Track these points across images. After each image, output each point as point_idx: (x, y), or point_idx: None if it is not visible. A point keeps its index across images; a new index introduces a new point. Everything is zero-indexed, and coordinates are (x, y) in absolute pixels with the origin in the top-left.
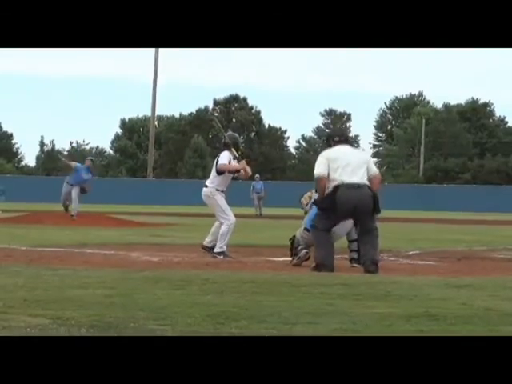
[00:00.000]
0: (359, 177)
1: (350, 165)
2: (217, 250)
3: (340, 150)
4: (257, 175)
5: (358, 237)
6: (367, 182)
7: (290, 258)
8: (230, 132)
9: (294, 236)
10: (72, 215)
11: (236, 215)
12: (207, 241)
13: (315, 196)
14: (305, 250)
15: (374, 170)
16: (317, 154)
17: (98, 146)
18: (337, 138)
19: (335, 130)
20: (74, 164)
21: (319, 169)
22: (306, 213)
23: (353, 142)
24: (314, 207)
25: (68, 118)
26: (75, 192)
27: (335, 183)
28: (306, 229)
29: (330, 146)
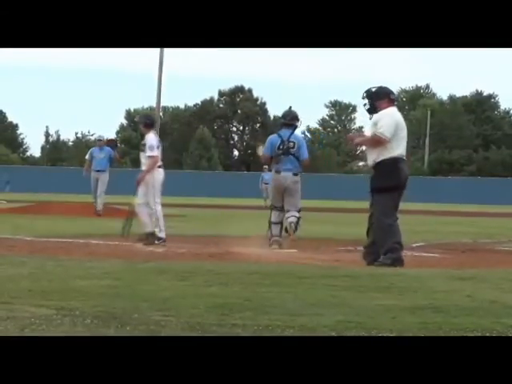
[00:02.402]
0: (406, 150)
1: (406, 135)
2: (161, 234)
3: (401, 115)
4: (265, 166)
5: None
6: None
7: (292, 250)
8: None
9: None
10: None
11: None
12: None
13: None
14: (274, 246)
15: None
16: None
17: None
18: (393, 96)
19: (388, 88)
20: (87, 157)
21: (388, 132)
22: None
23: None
24: (283, 157)
25: (73, 108)
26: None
27: (393, 155)
28: (276, 171)
29: (374, 105)
